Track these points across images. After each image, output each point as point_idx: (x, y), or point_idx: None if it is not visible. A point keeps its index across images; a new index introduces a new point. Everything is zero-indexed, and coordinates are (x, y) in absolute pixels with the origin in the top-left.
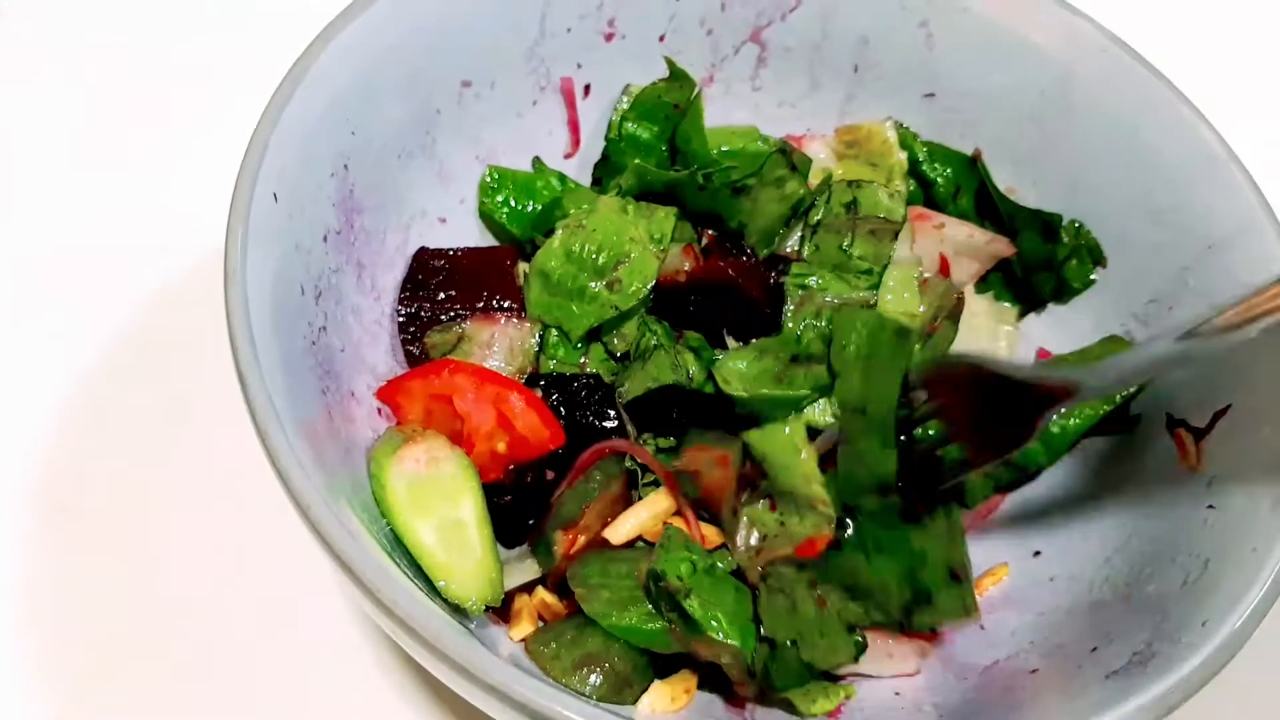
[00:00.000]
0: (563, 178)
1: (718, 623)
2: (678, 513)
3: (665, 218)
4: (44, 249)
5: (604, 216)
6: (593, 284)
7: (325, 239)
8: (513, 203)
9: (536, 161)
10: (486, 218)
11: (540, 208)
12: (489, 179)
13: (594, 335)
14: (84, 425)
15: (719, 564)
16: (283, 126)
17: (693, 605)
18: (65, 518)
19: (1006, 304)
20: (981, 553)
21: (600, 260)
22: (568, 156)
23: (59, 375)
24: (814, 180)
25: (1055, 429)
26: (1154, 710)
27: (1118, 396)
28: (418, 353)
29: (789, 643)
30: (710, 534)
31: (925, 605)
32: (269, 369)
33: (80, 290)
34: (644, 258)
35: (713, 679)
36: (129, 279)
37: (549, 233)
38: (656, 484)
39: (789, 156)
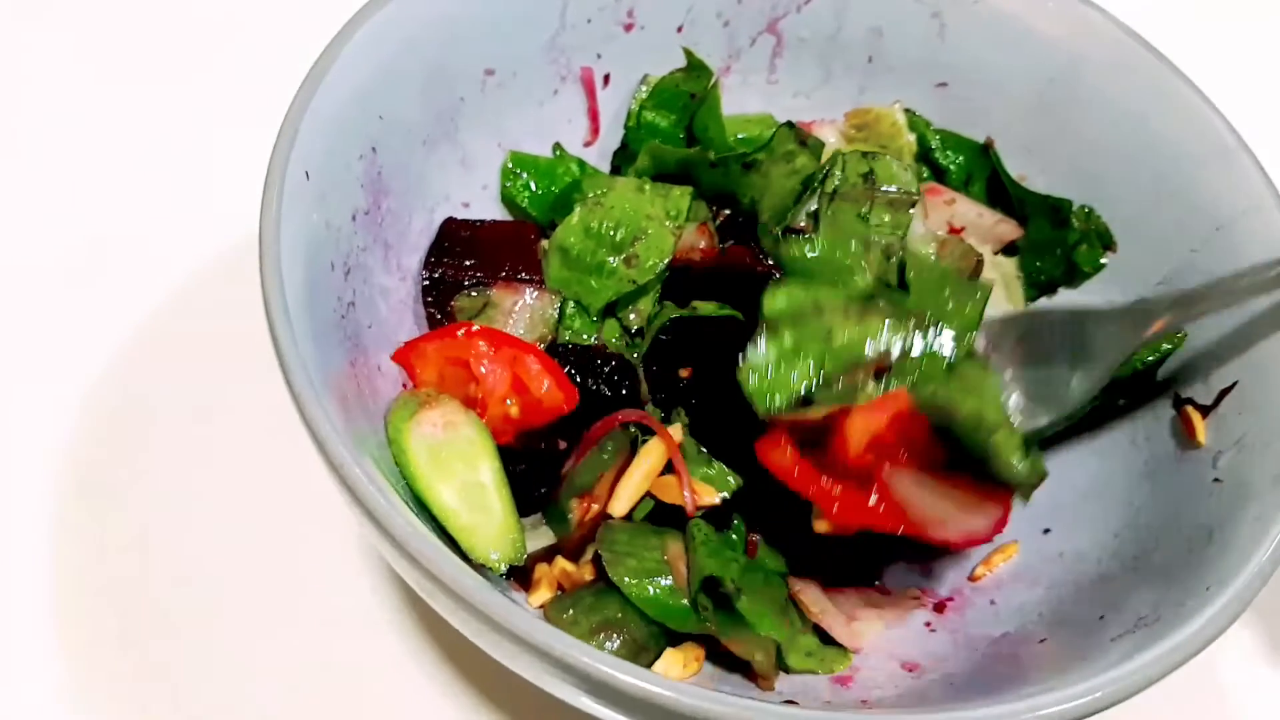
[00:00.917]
0: (582, 164)
1: (765, 620)
2: (667, 471)
3: (681, 195)
4: (80, 230)
5: (621, 194)
6: (610, 259)
7: (354, 218)
8: (533, 186)
9: (557, 147)
10: (508, 201)
11: (560, 191)
12: (510, 164)
13: (610, 310)
14: (116, 404)
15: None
16: (314, 109)
17: (744, 605)
18: (99, 494)
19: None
20: None
21: (618, 236)
22: (587, 145)
23: (92, 357)
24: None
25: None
26: (1156, 668)
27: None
28: (440, 317)
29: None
30: (704, 490)
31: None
32: (302, 336)
33: (113, 273)
34: (660, 234)
35: (719, 650)
36: (162, 261)
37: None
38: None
39: (797, 131)
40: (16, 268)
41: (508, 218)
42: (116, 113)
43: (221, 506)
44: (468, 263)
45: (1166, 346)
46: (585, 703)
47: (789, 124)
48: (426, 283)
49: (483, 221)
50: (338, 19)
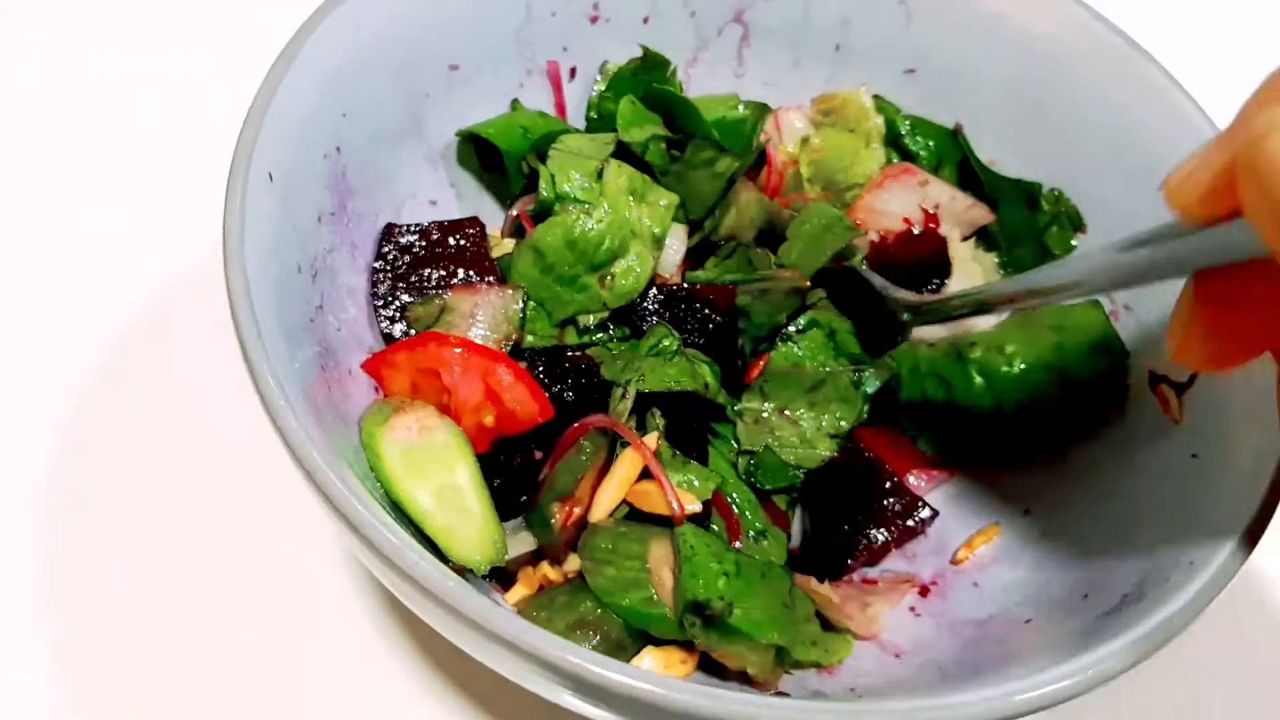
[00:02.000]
0: (542, 114)
1: (761, 628)
2: (645, 477)
3: (667, 209)
4: (48, 239)
5: (613, 201)
6: (586, 276)
7: (320, 220)
8: (500, 127)
9: (515, 104)
10: (465, 146)
11: (536, 138)
12: (461, 136)
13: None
14: (93, 413)
15: (744, 556)
16: (275, 107)
17: (738, 619)
18: (78, 500)
19: (993, 257)
20: (972, 513)
21: (600, 252)
22: None
23: (65, 365)
24: (793, 148)
25: (1005, 371)
26: (1145, 644)
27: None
28: (396, 334)
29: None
30: (686, 499)
31: None
32: (271, 341)
33: (79, 281)
34: (641, 258)
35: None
36: (128, 268)
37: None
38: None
39: (712, 142)
40: None
41: (476, 211)
42: (74, 113)
43: (202, 513)
44: (417, 272)
45: (1104, 363)
46: (570, 701)
47: (702, 137)
48: (376, 299)
49: (421, 225)
50: (300, 15)
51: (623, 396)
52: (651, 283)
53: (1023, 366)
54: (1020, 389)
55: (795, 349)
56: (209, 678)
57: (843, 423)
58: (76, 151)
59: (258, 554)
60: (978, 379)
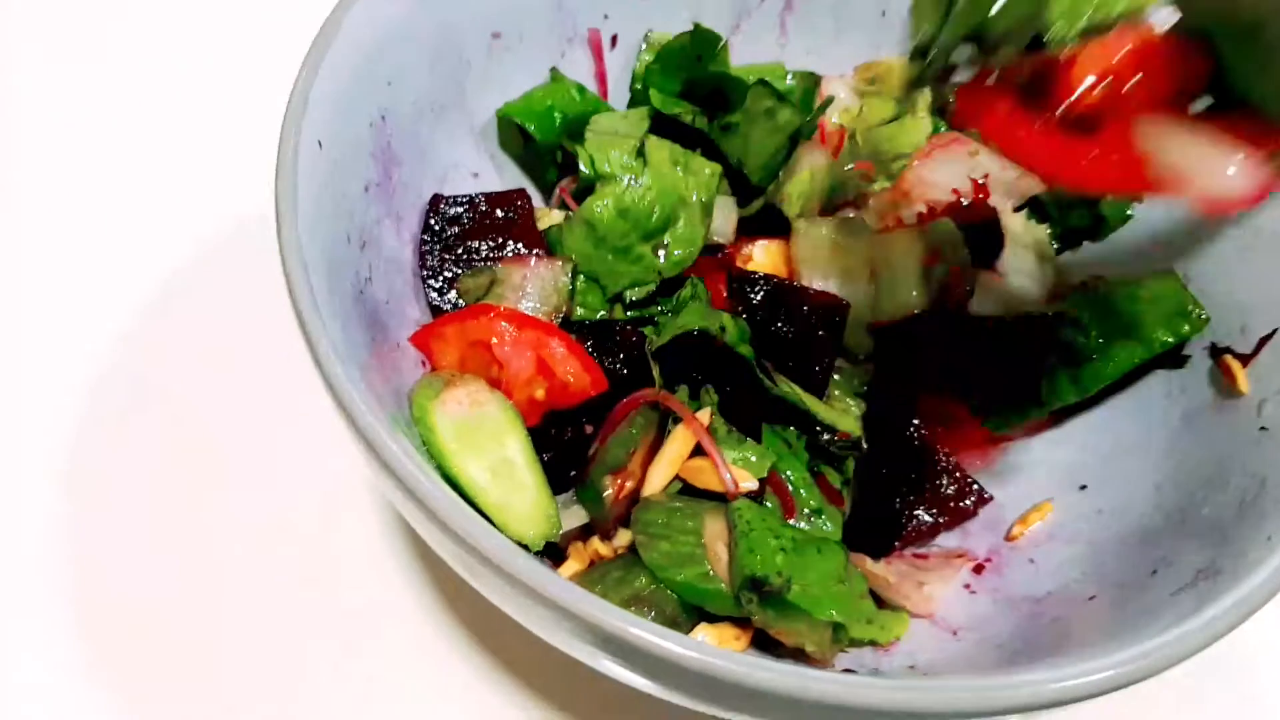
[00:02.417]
0: (581, 88)
1: (819, 604)
2: (698, 452)
3: (711, 176)
4: (90, 204)
5: (658, 171)
6: (640, 245)
7: (367, 189)
8: (535, 110)
9: (554, 71)
10: (507, 137)
11: (573, 115)
12: (502, 113)
13: None
14: (125, 386)
15: (800, 529)
16: (323, 74)
17: (796, 594)
18: (104, 479)
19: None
20: (1026, 488)
21: (653, 220)
22: None
23: (105, 331)
24: (839, 118)
25: (1086, 369)
26: (1229, 618)
27: (1157, 344)
28: (445, 306)
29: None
30: (741, 475)
31: None
32: (326, 310)
33: (115, 251)
34: (691, 225)
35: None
36: (167, 240)
37: (575, 135)
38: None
39: (771, 88)
40: (20, 247)
41: (517, 184)
42: (116, 86)
43: (235, 491)
44: (466, 244)
45: (1186, 329)
46: (626, 675)
47: (761, 81)
48: (425, 270)
49: (470, 197)
50: None
51: (653, 361)
52: (724, 258)
53: (1100, 340)
54: (1102, 362)
55: None
56: (231, 662)
57: None
58: (123, 118)
59: (288, 530)
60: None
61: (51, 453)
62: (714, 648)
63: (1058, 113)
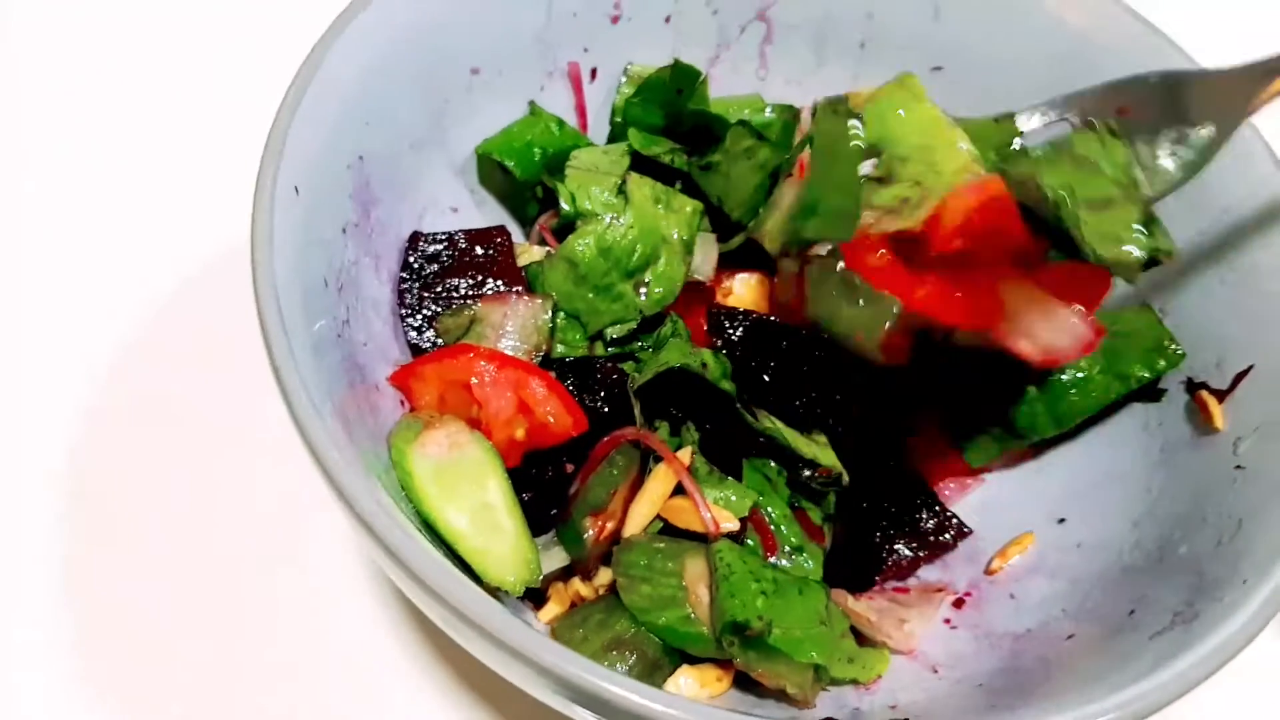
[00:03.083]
0: (560, 122)
1: (800, 647)
2: (679, 492)
3: (692, 214)
4: (74, 239)
5: (640, 210)
6: (621, 284)
7: (344, 231)
8: (514, 146)
9: (533, 105)
10: (486, 174)
11: (553, 152)
12: (481, 150)
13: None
14: (111, 414)
15: (781, 568)
16: (299, 119)
17: (778, 638)
18: (94, 501)
19: None
20: (1005, 521)
21: (633, 259)
22: None
23: (86, 368)
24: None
25: (1063, 402)
26: (1205, 667)
27: (1134, 379)
28: (424, 344)
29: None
30: (723, 516)
31: None
32: (301, 357)
33: (101, 284)
34: (671, 264)
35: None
36: (150, 273)
37: (555, 171)
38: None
39: (750, 127)
40: (25, 259)
41: (497, 218)
42: (99, 122)
43: (222, 519)
44: (444, 282)
45: (1162, 364)
46: None
47: (741, 122)
48: (403, 309)
49: (449, 234)
50: (324, 20)
51: (634, 398)
52: (704, 293)
53: (1079, 375)
54: (1079, 396)
55: None
56: (225, 677)
57: None
58: (104, 153)
59: (276, 553)
60: (1031, 388)
61: (51, 455)
62: (693, 703)
63: (924, 259)
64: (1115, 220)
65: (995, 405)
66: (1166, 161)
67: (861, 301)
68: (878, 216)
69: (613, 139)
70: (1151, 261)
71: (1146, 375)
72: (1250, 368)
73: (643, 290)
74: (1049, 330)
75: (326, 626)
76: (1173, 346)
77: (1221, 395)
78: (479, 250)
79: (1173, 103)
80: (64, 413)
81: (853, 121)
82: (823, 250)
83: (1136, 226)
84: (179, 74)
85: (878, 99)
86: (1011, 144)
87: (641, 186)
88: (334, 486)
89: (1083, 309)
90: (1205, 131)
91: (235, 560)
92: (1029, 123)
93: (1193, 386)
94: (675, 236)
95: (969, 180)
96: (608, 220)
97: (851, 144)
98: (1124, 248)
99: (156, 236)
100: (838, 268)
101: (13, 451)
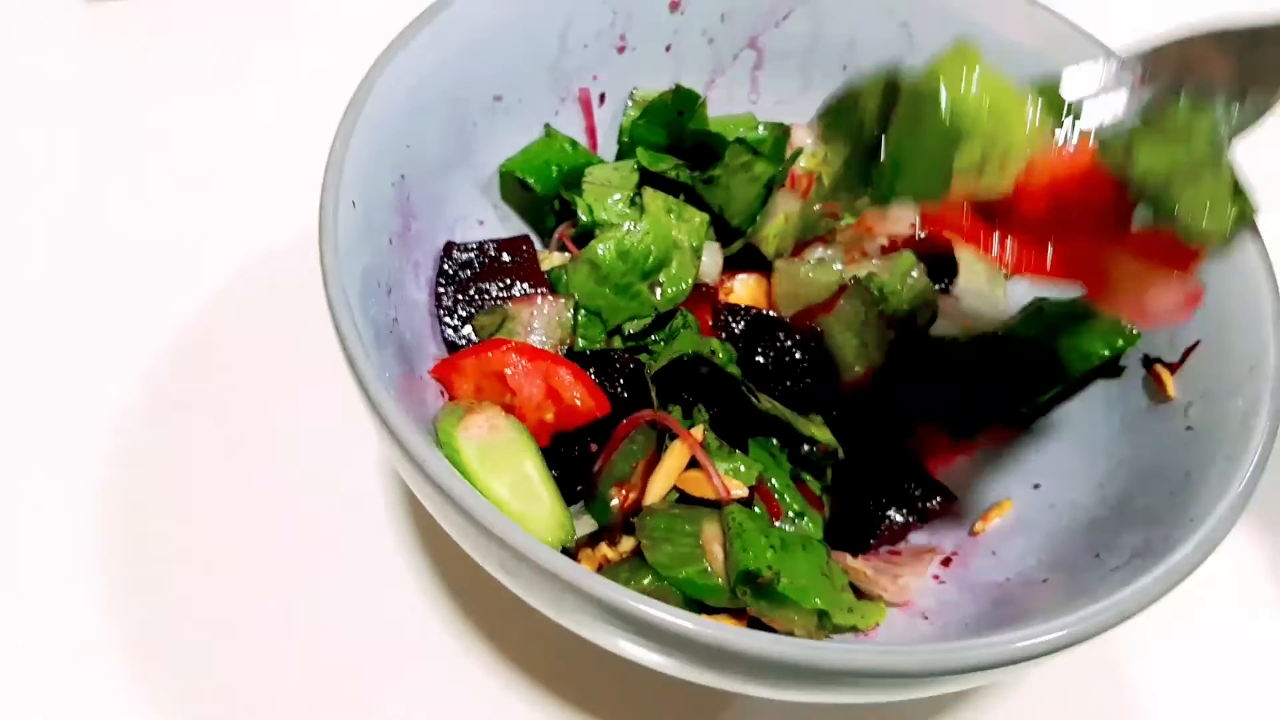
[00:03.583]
0: (574, 142)
1: (805, 594)
2: (693, 465)
3: (700, 225)
4: (134, 235)
5: (655, 219)
6: (638, 284)
7: (390, 241)
8: (534, 164)
9: (548, 128)
10: (509, 191)
11: (568, 169)
12: (503, 169)
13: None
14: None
15: (786, 529)
16: (355, 142)
17: (786, 586)
18: (140, 500)
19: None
20: (987, 490)
21: (649, 261)
22: None
23: (133, 363)
24: (806, 163)
25: (1035, 381)
26: (1159, 586)
27: (1095, 357)
28: (460, 341)
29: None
30: (733, 484)
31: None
32: (369, 347)
33: (151, 283)
34: (683, 265)
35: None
36: (199, 276)
37: (570, 186)
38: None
39: (746, 144)
40: (47, 277)
41: (519, 231)
42: (158, 133)
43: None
44: (477, 286)
45: (1121, 343)
46: (641, 652)
47: (739, 139)
48: (441, 310)
49: (479, 244)
50: (365, 55)
51: (651, 384)
52: (708, 293)
53: (1046, 356)
54: (1039, 377)
55: None
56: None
57: None
58: (163, 162)
59: (321, 543)
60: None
61: (108, 435)
62: (727, 625)
63: (1011, 220)
64: (1207, 191)
65: (981, 390)
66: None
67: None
68: (959, 178)
69: (620, 156)
70: (1241, 225)
71: (1107, 353)
72: (1198, 342)
73: (657, 290)
74: (1151, 295)
75: (375, 619)
76: (1130, 327)
77: (1173, 368)
78: (507, 257)
79: (1246, 57)
80: (108, 411)
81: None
82: (819, 249)
83: (1225, 195)
84: (239, 92)
85: (939, 67)
86: (1083, 109)
87: (655, 199)
88: (408, 455)
89: (1181, 270)
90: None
91: (288, 554)
92: (1086, 81)
93: (1148, 361)
94: (686, 243)
95: (1057, 146)
96: (626, 227)
97: (939, 94)
98: (1216, 218)
99: (210, 241)
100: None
101: (60, 441)
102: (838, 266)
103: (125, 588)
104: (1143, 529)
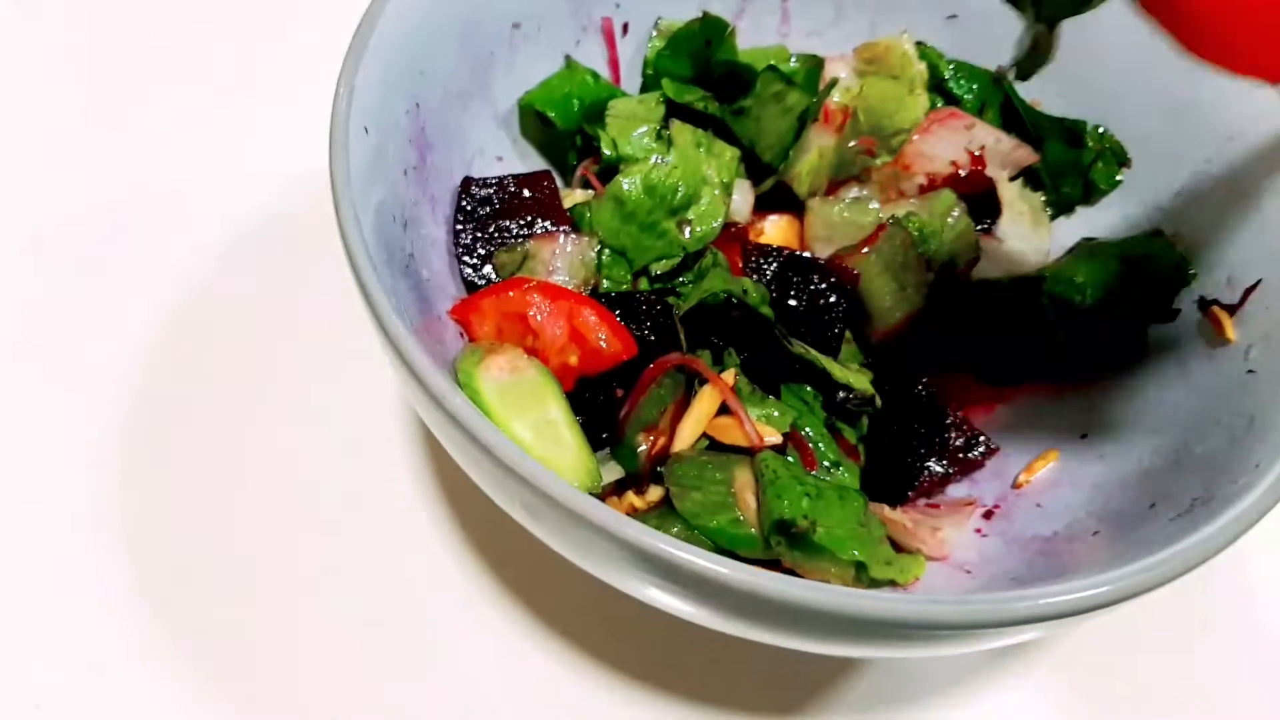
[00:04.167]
0: (595, 74)
1: (843, 544)
2: (723, 411)
3: (730, 160)
4: (126, 190)
5: (683, 153)
6: (665, 221)
7: (405, 173)
8: (554, 98)
9: (569, 59)
10: (529, 126)
11: (589, 101)
12: (523, 102)
13: None
14: (167, 372)
15: (823, 479)
16: (365, 64)
17: (821, 536)
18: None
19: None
20: (1029, 440)
21: (677, 198)
22: None
23: (156, 299)
24: (841, 97)
25: (1079, 301)
26: (1225, 535)
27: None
28: (480, 281)
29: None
30: (765, 431)
31: None
32: (385, 280)
33: (157, 227)
34: (713, 203)
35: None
36: (210, 218)
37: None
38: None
39: (779, 72)
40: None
41: (539, 166)
42: (158, 72)
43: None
44: (497, 223)
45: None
46: (671, 600)
47: (770, 67)
48: (459, 248)
49: (499, 179)
50: None
51: (679, 325)
52: (738, 232)
53: (1096, 297)
54: (1093, 318)
55: None
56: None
57: None
58: (167, 103)
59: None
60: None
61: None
62: (764, 571)
63: None
64: None
65: (1022, 337)
66: None
67: None
68: None
69: (644, 89)
70: None
71: (1154, 299)
72: (1259, 282)
73: (686, 228)
74: None
75: (396, 572)
76: (1184, 267)
77: (1233, 310)
78: (527, 193)
79: None
80: (116, 379)
81: None
82: (854, 188)
83: None
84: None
85: None
86: None
87: (683, 132)
88: (425, 391)
89: None
90: None
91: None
92: None
93: (1205, 304)
94: (716, 178)
95: None
96: (653, 161)
97: None
98: None
99: (220, 179)
100: None
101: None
102: (874, 206)
103: (144, 545)
104: (1202, 477)
